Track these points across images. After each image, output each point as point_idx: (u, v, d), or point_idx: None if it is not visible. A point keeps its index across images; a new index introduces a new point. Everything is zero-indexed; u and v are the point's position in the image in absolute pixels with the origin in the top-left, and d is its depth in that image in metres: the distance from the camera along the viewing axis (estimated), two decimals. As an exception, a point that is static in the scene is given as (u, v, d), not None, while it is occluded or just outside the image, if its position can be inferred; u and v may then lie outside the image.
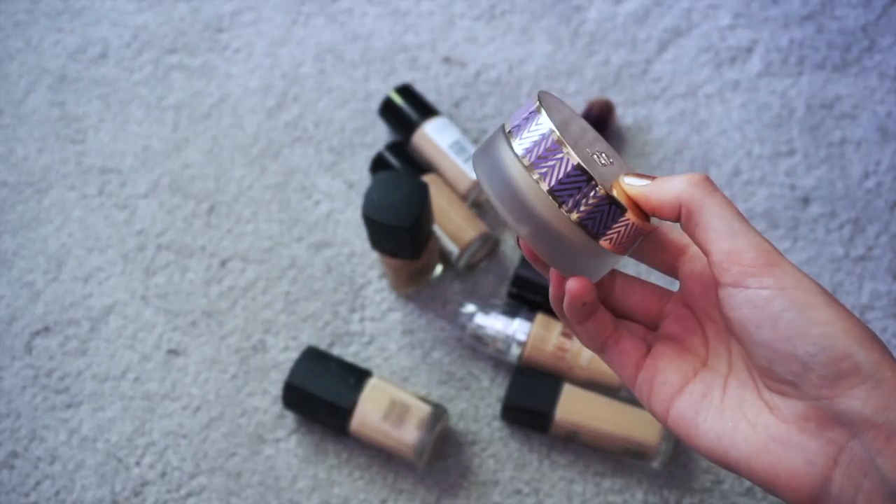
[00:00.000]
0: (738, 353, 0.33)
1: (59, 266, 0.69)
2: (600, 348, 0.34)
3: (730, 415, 0.31)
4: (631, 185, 0.32)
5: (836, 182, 0.70)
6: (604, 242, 0.31)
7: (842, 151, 0.72)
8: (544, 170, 0.30)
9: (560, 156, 0.30)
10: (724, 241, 0.29)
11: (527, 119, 0.32)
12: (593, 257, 0.32)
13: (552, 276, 0.33)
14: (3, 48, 0.79)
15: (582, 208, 0.30)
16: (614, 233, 0.31)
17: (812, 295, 0.28)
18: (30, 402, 0.64)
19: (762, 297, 0.29)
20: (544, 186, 0.30)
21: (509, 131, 0.32)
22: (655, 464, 0.58)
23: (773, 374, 0.30)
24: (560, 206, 0.30)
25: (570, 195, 0.30)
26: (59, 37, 0.79)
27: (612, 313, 0.35)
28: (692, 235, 0.31)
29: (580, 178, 0.30)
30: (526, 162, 0.31)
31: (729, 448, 0.31)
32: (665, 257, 0.35)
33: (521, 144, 0.31)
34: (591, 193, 0.30)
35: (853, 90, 0.74)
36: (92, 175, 0.73)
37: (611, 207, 0.30)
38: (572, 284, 0.32)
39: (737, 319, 0.30)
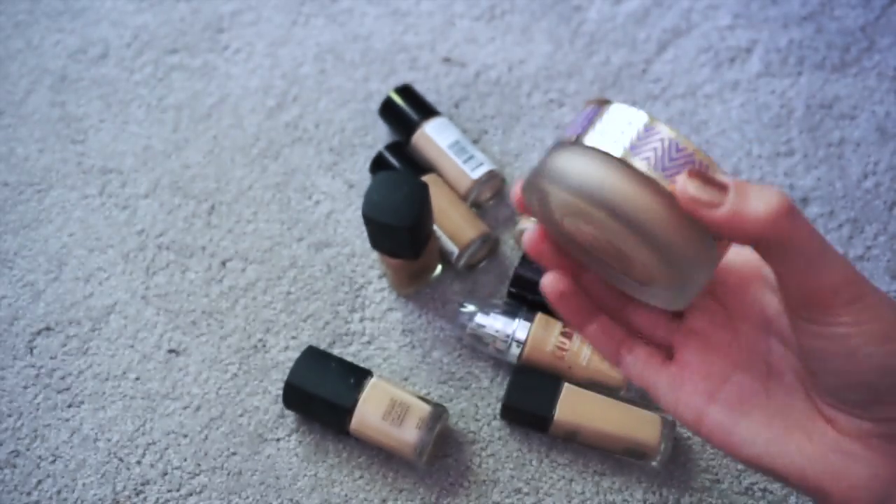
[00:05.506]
0: (780, 353, 0.31)
1: (60, 266, 0.69)
2: (615, 357, 0.33)
3: (779, 421, 0.30)
4: (696, 198, 0.27)
5: (835, 182, 0.70)
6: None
7: (841, 152, 0.72)
8: (648, 154, 0.29)
9: (659, 136, 0.29)
10: (804, 278, 0.27)
11: (592, 118, 0.30)
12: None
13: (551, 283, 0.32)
14: (3, 48, 0.79)
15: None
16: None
17: (889, 325, 0.27)
18: (31, 402, 0.64)
19: (839, 334, 0.27)
20: (651, 170, 0.28)
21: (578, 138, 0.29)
22: (655, 463, 0.58)
23: (841, 398, 0.29)
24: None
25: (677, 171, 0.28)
26: (60, 37, 0.79)
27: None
28: (768, 261, 0.28)
29: (686, 154, 0.28)
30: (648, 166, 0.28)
31: (778, 455, 0.29)
32: None
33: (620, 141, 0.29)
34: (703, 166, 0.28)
35: (852, 90, 0.74)
36: (92, 175, 0.73)
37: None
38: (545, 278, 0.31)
39: (809, 348, 0.28)
